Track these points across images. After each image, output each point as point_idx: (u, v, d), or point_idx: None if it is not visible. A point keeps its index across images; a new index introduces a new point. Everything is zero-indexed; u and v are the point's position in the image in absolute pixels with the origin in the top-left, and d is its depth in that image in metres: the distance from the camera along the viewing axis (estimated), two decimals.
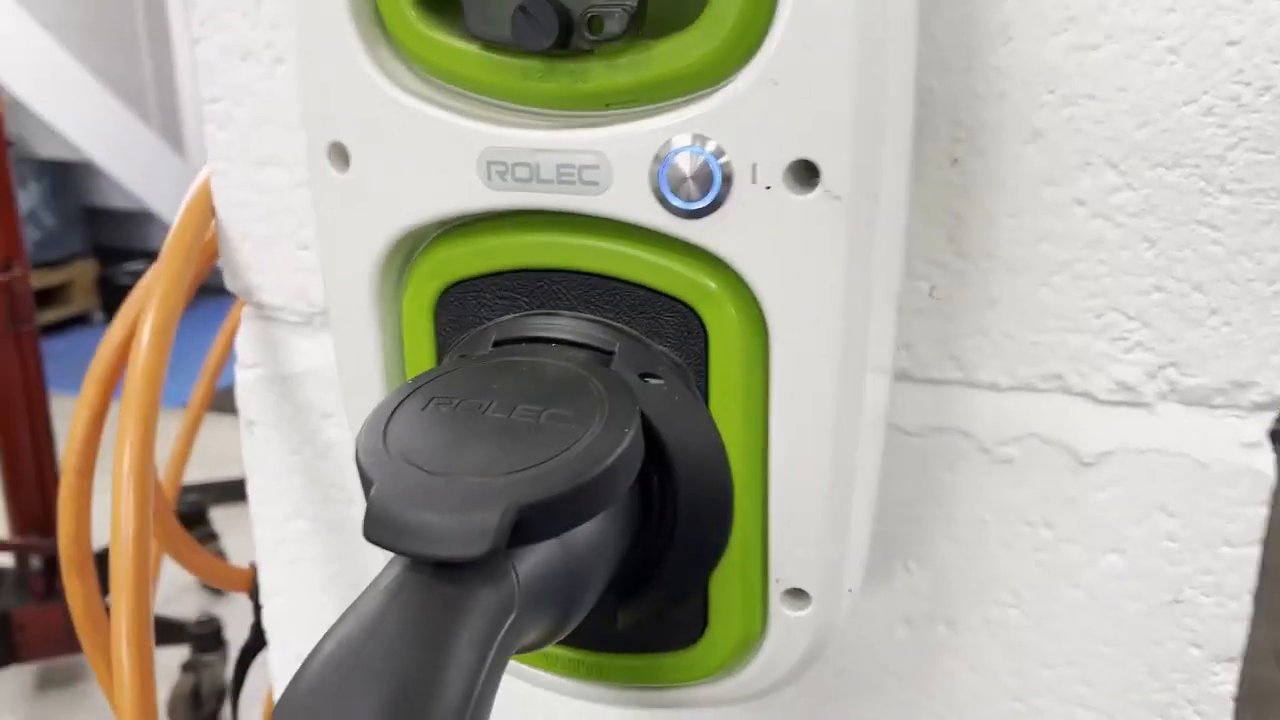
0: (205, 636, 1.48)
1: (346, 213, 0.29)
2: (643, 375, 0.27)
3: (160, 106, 3.73)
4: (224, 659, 1.52)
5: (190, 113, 3.61)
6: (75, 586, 0.48)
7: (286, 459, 0.47)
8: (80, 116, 3.28)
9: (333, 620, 0.47)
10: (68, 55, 3.24)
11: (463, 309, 0.29)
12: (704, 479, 0.27)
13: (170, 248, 0.42)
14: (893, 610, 0.39)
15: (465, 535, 0.22)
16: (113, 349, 0.45)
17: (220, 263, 0.45)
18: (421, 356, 0.30)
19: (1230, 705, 0.36)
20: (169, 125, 3.70)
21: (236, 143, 0.43)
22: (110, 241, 3.79)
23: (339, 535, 0.47)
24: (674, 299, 0.27)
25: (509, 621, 0.23)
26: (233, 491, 1.99)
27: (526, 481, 0.22)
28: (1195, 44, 0.31)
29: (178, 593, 1.95)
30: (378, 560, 0.46)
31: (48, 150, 3.40)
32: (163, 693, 1.52)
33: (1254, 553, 0.35)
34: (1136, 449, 0.35)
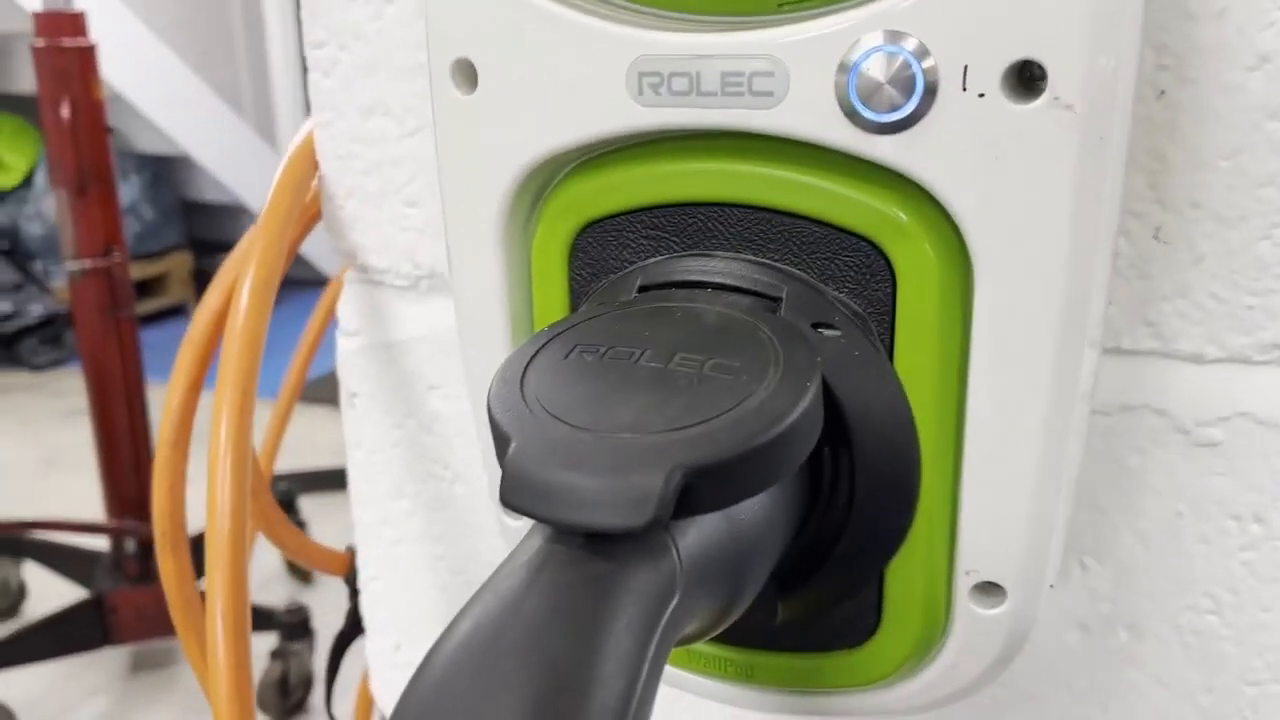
0: (294, 625, 1.48)
1: (472, 140, 0.25)
2: (815, 325, 0.23)
3: (255, 103, 3.79)
4: (311, 648, 1.51)
5: (284, 109, 3.66)
6: (169, 564, 0.46)
7: (389, 433, 0.44)
8: (178, 111, 3.35)
9: (433, 606, 0.43)
10: (168, 51, 3.30)
11: (602, 251, 0.25)
12: (886, 449, 0.23)
13: (270, 205, 0.39)
14: (1066, 612, 0.34)
15: (623, 501, 0.18)
16: (209, 315, 0.42)
17: (323, 222, 0.42)
18: (553, 306, 0.26)
19: None
20: (263, 121, 3.75)
21: (342, 90, 0.40)
22: (205, 234, 3.87)
23: (442, 515, 0.44)
24: (855, 235, 0.22)
25: (671, 607, 0.19)
26: (321, 481, 2.00)
27: (694, 440, 0.19)
28: None
29: (266, 580, 1.96)
30: (484, 544, 0.42)
31: (147, 144, 3.47)
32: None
33: None
34: None
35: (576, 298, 0.26)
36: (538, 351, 0.22)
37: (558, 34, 0.23)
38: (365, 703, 0.58)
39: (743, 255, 0.24)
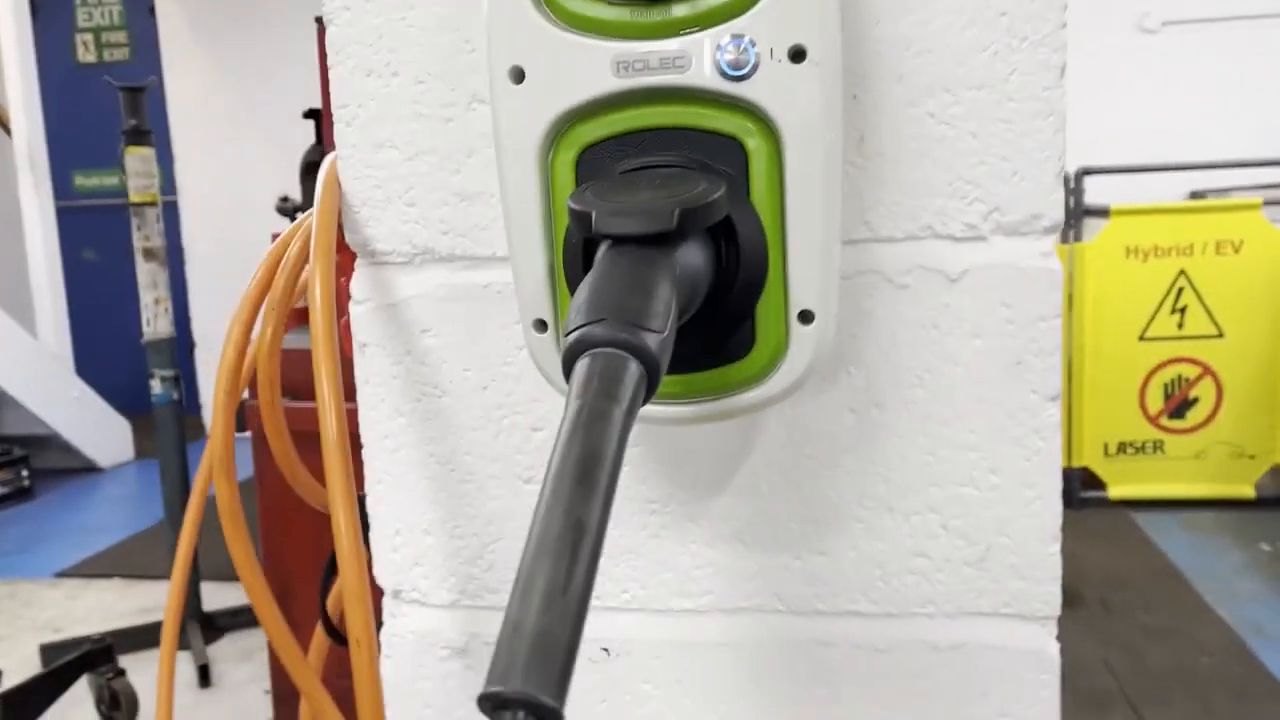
0: None
1: (521, 111, 0.48)
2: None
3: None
4: None
5: (44, 294, 3.64)
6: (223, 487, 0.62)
7: (390, 369, 0.63)
8: None
9: (425, 495, 0.63)
10: None
11: (594, 163, 0.48)
12: (752, 241, 0.47)
13: (320, 209, 0.59)
14: (841, 403, 0.59)
15: (657, 220, 0.41)
16: (259, 284, 0.61)
17: (343, 224, 0.62)
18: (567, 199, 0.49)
19: (1058, 429, 0.57)
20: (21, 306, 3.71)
21: (359, 134, 0.61)
22: None
23: (433, 423, 0.63)
24: (726, 136, 0.47)
25: (678, 272, 0.41)
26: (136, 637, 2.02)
27: (681, 199, 0.42)
28: (981, 18, 0.54)
29: None
30: (466, 439, 0.62)
31: None
32: None
33: (1058, 323, 0.56)
34: (982, 266, 0.56)
35: None
36: (584, 187, 0.44)
37: (570, 47, 0.47)
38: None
39: (671, 153, 0.47)
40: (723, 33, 0.46)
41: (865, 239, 0.57)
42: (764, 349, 0.48)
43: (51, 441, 3.91)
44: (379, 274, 0.63)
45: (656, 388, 0.37)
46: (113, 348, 4.35)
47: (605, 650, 0.64)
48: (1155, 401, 3.22)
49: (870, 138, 0.56)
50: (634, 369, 0.36)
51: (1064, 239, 3.22)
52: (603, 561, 0.63)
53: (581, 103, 0.47)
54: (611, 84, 0.47)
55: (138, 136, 2.10)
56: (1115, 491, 3.25)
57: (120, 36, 4.20)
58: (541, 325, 0.51)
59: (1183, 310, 3.15)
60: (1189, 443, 3.22)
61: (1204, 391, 3.19)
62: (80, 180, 4.22)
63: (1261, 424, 3.16)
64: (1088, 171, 3.24)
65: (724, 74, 0.46)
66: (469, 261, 0.61)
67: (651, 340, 0.37)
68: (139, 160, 2.08)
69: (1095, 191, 3.23)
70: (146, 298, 2.09)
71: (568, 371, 0.37)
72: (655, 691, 0.64)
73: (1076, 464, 3.25)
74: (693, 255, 0.44)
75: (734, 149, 0.47)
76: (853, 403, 0.59)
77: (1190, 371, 3.18)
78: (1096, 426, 3.22)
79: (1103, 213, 3.19)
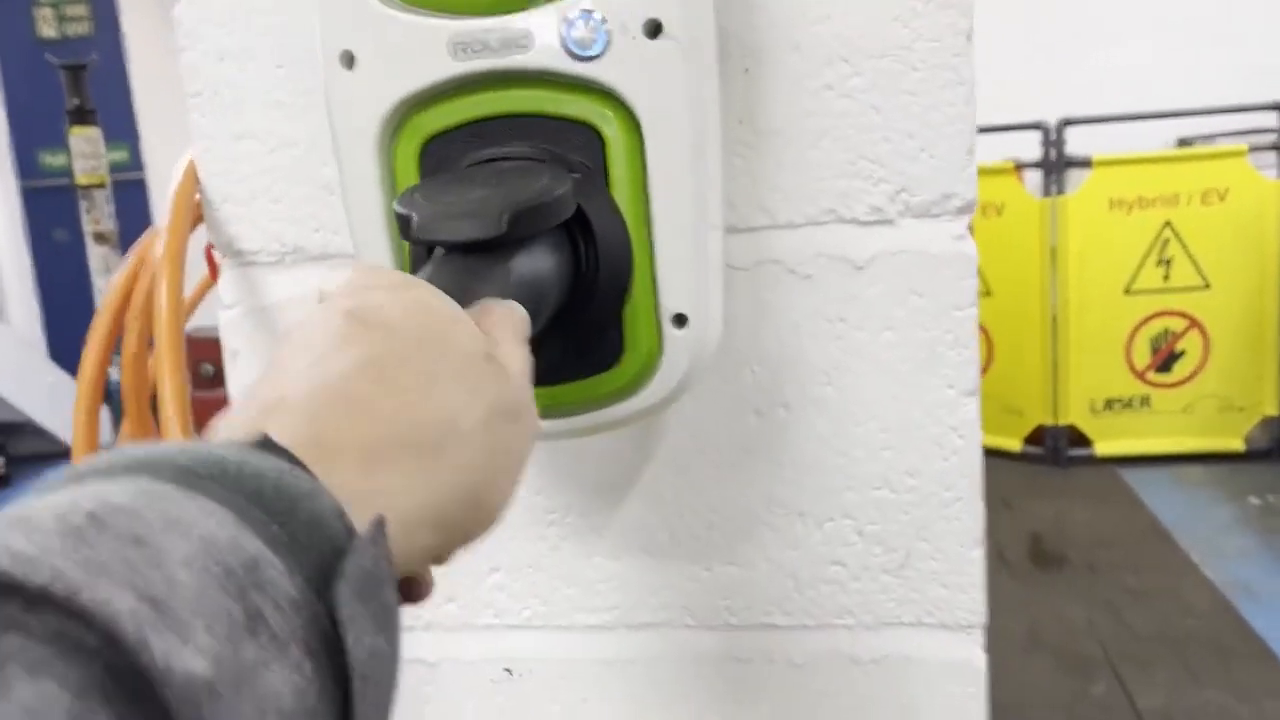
0: None
1: (355, 98, 0.43)
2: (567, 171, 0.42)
3: None
4: None
5: (12, 278, 3.58)
6: None
7: None
8: None
9: None
10: None
11: (441, 155, 0.43)
12: (613, 239, 0.42)
13: (174, 204, 0.54)
14: (745, 404, 0.54)
15: (486, 223, 0.36)
16: (121, 288, 0.56)
17: (205, 223, 0.57)
18: None
19: (977, 425, 0.53)
20: None
21: (216, 125, 0.56)
22: None
23: None
24: (581, 123, 0.42)
25: (513, 280, 0.37)
26: None
27: (513, 199, 0.37)
28: None
29: None
30: None
31: None
32: None
33: (974, 312, 0.52)
34: (890, 252, 0.51)
35: None
36: (415, 186, 0.40)
37: (402, 28, 0.42)
38: None
39: (522, 143, 0.42)
40: (571, 7, 0.40)
41: (763, 226, 0.52)
42: (635, 357, 0.44)
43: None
44: (248, 275, 0.58)
45: None
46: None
47: (508, 671, 0.60)
48: (1142, 356, 3.17)
49: (763, 115, 0.51)
50: None
51: (1045, 191, 3.16)
52: (501, 577, 0.59)
53: (418, 89, 0.42)
54: (449, 68, 0.42)
55: (82, 116, 2.03)
56: (1102, 448, 3.20)
57: (81, 10, 4.10)
58: None
59: (1168, 262, 3.09)
60: (1176, 397, 3.17)
61: (1191, 344, 3.14)
62: (48, 159, 4.14)
63: (1250, 376, 3.11)
64: (1069, 122, 3.17)
65: (571, 54, 0.41)
66: (344, 260, 0.56)
67: None
68: (85, 141, 2.02)
69: (1077, 142, 3.16)
70: (100, 283, 2.04)
71: None
72: (562, 712, 0.60)
73: (1063, 422, 3.20)
74: (537, 259, 0.39)
75: (590, 137, 0.42)
76: (757, 403, 0.54)
77: (1177, 324, 3.13)
78: (1082, 383, 3.17)
79: (1085, 163, 3.12)
